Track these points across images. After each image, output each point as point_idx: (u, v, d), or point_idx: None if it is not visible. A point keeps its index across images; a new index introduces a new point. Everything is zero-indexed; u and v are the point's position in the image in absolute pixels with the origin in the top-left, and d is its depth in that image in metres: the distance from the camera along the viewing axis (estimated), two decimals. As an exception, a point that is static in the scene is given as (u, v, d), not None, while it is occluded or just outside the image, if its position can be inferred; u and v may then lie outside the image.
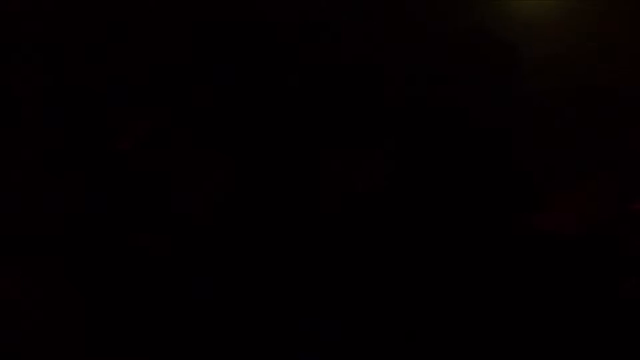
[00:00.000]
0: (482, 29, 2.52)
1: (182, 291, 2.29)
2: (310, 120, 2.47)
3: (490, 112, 2.46)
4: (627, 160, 2.37)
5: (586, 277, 2.24)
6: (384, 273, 2.31)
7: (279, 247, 2.34)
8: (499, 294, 2.26)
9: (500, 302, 2.26)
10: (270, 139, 2.47)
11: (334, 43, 2.53)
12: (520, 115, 2.44)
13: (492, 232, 2.33)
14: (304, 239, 2.34)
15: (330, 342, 2.24)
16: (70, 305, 2.26)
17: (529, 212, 2.35)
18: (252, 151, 2.45)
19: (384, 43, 2.52)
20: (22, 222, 2.32)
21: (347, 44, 2.52)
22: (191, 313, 2.25)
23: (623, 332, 2.19)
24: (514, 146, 2.43)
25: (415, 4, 2.55)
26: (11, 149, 2.39)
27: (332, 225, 2.36)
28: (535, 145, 2.41)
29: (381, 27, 2.53)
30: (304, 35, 2.53)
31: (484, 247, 2.31)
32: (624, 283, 2.23)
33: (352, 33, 2.53)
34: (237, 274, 2.31)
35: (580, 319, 2.22)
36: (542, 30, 2.52)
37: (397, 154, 2.43)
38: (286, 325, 2.27)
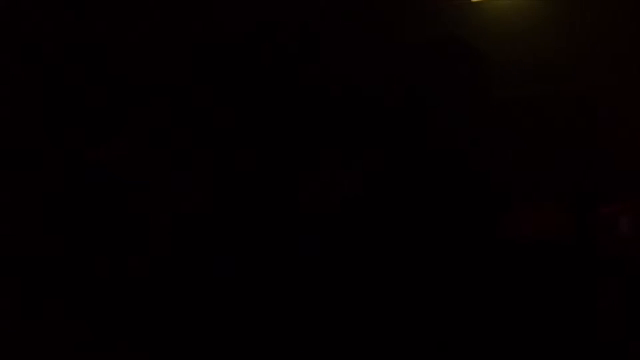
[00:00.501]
0: (455, 37, 2.55)
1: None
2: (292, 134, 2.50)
3: (462, 121, 2.51)
4: (593, 166, 2.46)
5: (557, 282, 2.33)
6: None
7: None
8: (471, 299, 2.36)
9: (473, 306, 2.36)
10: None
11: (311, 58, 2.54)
12: (491, 123, 2.50)
13: (463, 240, 2.41)
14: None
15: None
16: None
17: (497, 220, 2.44)
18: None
19: (358, 55, 2.52)
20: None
21: (323, 58, 2.53)
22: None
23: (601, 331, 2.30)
24: (484, 154, 2.49)
25: (389, 14, 2.56)
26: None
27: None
28: (505, 153, 2.49)
29: (354, 39, 2.54)
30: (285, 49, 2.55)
31: (458, 254, 2.40)
32: (602, 284, 2.31)
33: (326, 46, 2.54)
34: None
35: (552, 320, 2.32)
36: (515, 38, 2.55)
37: (373, 168, 2.48)
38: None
